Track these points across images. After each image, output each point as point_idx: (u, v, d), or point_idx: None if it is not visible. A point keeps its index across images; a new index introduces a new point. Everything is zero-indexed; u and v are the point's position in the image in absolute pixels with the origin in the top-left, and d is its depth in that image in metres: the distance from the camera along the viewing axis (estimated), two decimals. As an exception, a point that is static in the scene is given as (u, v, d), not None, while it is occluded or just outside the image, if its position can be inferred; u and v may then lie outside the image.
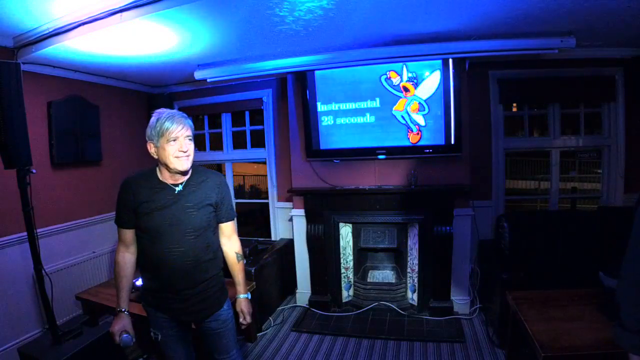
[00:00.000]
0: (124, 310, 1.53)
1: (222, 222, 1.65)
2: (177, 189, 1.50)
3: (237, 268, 1.71)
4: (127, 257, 1.56)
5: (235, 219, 1.75)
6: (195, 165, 1.58)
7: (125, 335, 1.49)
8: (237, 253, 1.71)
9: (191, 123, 1.51)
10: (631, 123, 3.14)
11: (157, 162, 1.51)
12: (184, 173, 1.50)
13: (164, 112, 1.46)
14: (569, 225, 2.88)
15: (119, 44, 2.49)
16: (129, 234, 1.53)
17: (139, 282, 2.46)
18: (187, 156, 1.46)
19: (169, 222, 1.46)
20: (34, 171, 1.88)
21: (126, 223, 1.52)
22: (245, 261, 1.76)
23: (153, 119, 1.46)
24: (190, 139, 1.48)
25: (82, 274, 3.13)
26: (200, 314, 1.60)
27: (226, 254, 1.71)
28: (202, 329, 1.65)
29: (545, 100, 3.30)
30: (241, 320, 1.69)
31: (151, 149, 1.47)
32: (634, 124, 3.14)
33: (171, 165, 1.44)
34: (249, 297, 1.73)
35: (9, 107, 1.75)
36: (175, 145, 1.43)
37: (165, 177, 1.50)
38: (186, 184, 1.52)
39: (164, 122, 1.42)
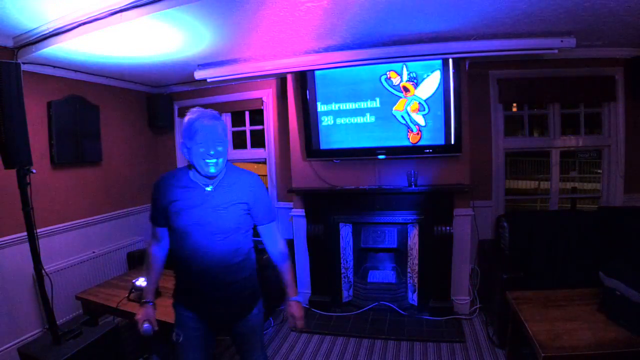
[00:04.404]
0: (149, 302, 1.59)
1: (260, 225, 1.58)
2: (207, 188, 1.46)
3: (283, 269, 1.62)
4: (157, 251, 1.59)
5: (276, 220, 1.66)
6: (230, 165, 1.55)
7: (146, 325, 1.54)
8: (281, 253, 1.62)
9: (224, 124, 1.46)
10: (631, 123, 3.14)
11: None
12: (212, 177, 1.46)
13: (196, 112, 1.42)
14: (569, 225, 2.88)
15: (119, 44, 2.49)
16: (159, 231, 1.56)
17: (139, 282, 2.47)
18: (216, 160, 1.41)
19: (196, 222, 1.43)
20: (34, 171, 1.88)
21: (156, 221, 1.54)
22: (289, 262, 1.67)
23: (185, 119, 1.43)
24: (220, 142, 1.41)
25: (82, 274, 3.13)
26: (228, 317, 1.57)
27: (271, 256, 1.64)
28: (232, 333, 1.64)
29: (545, 100, 3.30)
30: (290, 325, 1.63)
31: (184, 150, 1.44)
32: (634, 124, 3.14)
33: (200, 169, 1.42)
34: (300, 299, 1.65)
35: (9, 107, 1.74)
36: (204, 149, 1.38)
37: (196, 176, 1.47)
38: (218, 185, 1.48)
39: (194, 124, 1.38)
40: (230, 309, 1.55)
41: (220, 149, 1.41)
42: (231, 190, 1.48)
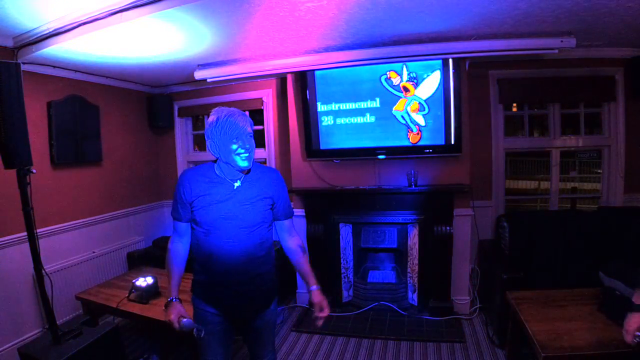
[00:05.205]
0: (174, 299, 1.54)
1: (281, 220, 1.64)
2: (236, 184, 1.50)
3: (303, 260, 1.67)
4: (179, 247, 1.57)
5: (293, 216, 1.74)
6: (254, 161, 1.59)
7: (184, 320, 1.50)
8: (300, 246, 1.68)
9: (251, 120, 1.51)
10: (631, 123, 3.14)
11: (217, 159, 1.51)
12: (245, 171, 1.50)
13: (224, 110, 1.46)
14: (569, 225, 2.88)
15: (119, 44, 2.49)
16: (182, 226, 1.55)
17: (139, 282, 2.47)
18: (249, 154, 1.46)
19: (224, 216, 1.46)
20: (34, 171, 1.88)
21: (180, 216, 1.53)
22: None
23: (213, 118, 1.46)
24: (251, 136, 1.47)
25: (82, 274, 3.13)
26: (249, 311, 1.59)
27: (289, 250, 1.68)
28: (246, 328, 1.65)
29: (545, 100, 3.30)
30: (317, 313, 1.60)
31: (212, 147, 1.47)
32: (634, 124, 3.14)
33: (233, 164, 1.44)
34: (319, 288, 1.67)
35: (9, 107, 1.74)
36: (238, 143, 1.43)
37: (222, 172, 1.50)
38: (244, 180, 1.52)
39: (226, 120, 1.42)
40: (252, 304, 1.58)
41: (248, 145, 1.46)
42: (257, 185, 1.53)
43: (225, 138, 1.42)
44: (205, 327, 1.54)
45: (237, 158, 1.43)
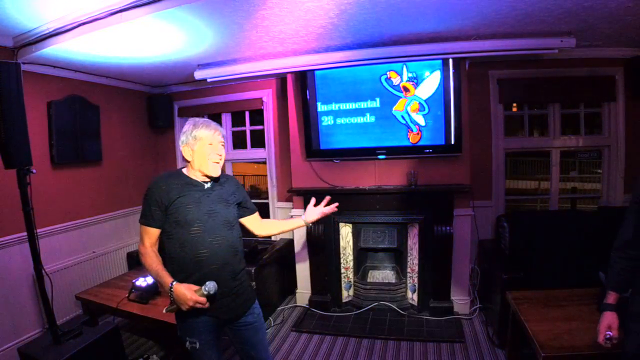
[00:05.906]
0: (175, 282, 1.43)
1: (253, 214, 1.82)
2: (206, 185, 1.59)
3: (278, 220, 1.84)
4: (155, 249, 1.54)
5: None
6: None
7: (205, 287, 1.38)
8: (271, 220, 1.87)
9: (224, 131, 1.65)
10: (631, 123, 3.14)
11: (187, 164, 1.61)
12: (215, 179, 1.60)
13: (199, 120, 1.59)
14: (569, 225, 2.88)
15: (119, 44, 2.49)
16: (155, 233, 1.53)
17: (139, 282, 2.47)
18: (220, 163, 1.58)
19: (207, 213, 1.53)
20: (34, 171, 1.88)
21: (154, 221, 1.51)
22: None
23: (189, 126, 1.58)
24: (223, 144, 1.60)
25: (82, 274, 3.13)
26: (241, 308, 1.63)
27: (266, 225, 1.90)
28: (238, 327, 1.65)
29: (545, 100, 3.30)
30: (323, 208, 2.05)
31: (186, 153, 1.57)
32: (634, 124, 3.14)
33: (206, 170, 1.55)
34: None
35: (9, 107, 1.74)
36: (212, 149, 1.55)
37: (194, 175, 1.59)
38: (213, 182, 1.62)
39: (201, 128, 1.55)
40: (241, 299, 1.63)
41: (221, 154, 1.59)
42: (225, 187, 1.67)
43: (202, 144, 1.54)
44: (199, 338, 1.52)
45: (211, 165, 1.55)
